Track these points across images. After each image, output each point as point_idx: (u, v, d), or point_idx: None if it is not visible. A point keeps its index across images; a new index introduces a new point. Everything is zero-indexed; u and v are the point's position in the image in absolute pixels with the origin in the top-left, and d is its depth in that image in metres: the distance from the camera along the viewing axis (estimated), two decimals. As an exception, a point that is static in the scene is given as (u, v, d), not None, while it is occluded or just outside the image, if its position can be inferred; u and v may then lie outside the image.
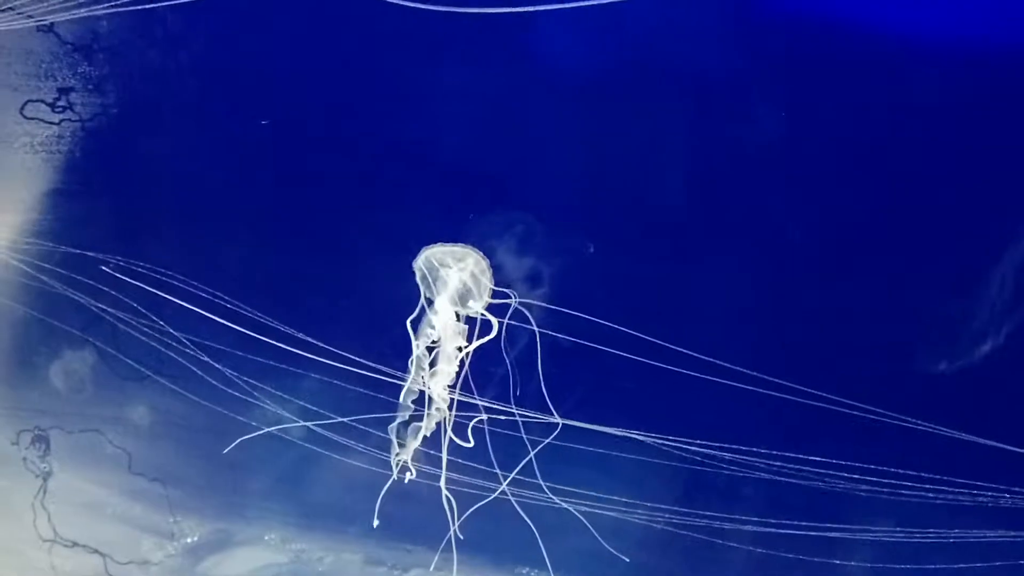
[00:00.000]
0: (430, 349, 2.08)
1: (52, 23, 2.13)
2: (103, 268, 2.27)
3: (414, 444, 2.13)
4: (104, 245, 2.27)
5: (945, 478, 1.88)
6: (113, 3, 2.05)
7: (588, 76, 1.89)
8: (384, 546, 2.30)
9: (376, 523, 2.22)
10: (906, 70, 1.76)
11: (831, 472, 1.94)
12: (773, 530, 2.03)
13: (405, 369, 2.10)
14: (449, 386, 2.09)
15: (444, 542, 2.19)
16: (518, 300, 2.02)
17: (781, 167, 1.87)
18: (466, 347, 2.06)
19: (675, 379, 1.93)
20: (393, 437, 2.15)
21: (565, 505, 2.11)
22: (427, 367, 2.08)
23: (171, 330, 2.26)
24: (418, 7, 1.87)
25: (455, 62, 1.96)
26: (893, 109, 1.79)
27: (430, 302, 2.05)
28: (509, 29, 1.85)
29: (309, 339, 2.15)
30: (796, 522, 2.02)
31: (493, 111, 1.99)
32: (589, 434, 2.05)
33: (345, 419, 2.17)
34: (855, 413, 1.88)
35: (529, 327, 2.03)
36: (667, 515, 2.09)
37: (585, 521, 2.10)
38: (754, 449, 1.97)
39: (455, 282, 2.03)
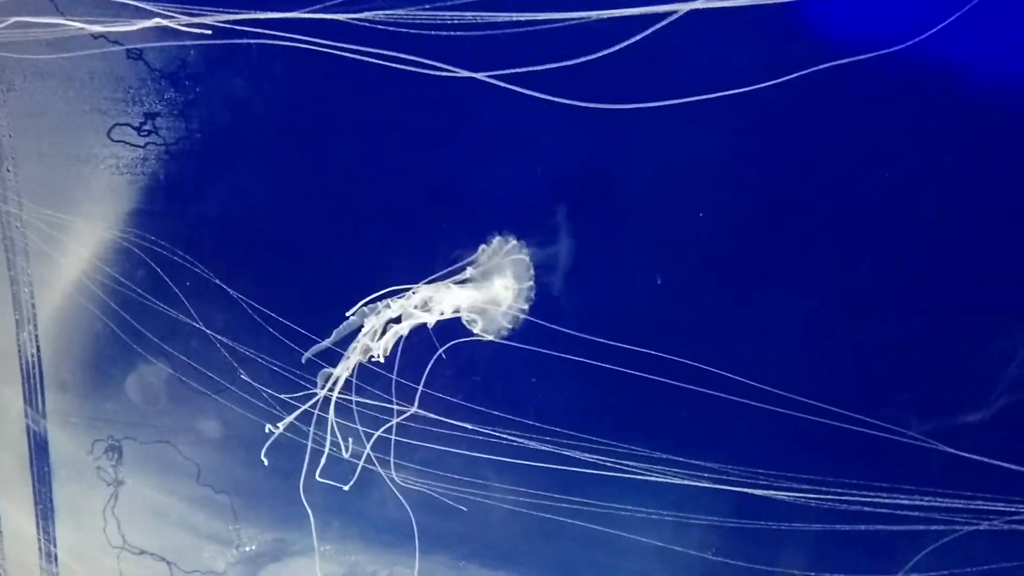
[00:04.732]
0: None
1: (142, 51, 2.20)
2: (180, 286, 2.34)
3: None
4: (182, 264, 2.33)
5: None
6: (200, 36, 2.11)
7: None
8: (437, 562, 2.32)
9: (265, 462, 2.25)
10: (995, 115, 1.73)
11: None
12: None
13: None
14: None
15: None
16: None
17: (845, 199, 1.87)
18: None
19: (728, 407, 1.94)
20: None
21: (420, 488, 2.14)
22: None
23: (243, 349, 2.32)
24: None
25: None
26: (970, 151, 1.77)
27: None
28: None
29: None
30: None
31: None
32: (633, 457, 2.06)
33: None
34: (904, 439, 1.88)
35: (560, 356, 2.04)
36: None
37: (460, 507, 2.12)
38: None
39: (498, 294, 2.02)
